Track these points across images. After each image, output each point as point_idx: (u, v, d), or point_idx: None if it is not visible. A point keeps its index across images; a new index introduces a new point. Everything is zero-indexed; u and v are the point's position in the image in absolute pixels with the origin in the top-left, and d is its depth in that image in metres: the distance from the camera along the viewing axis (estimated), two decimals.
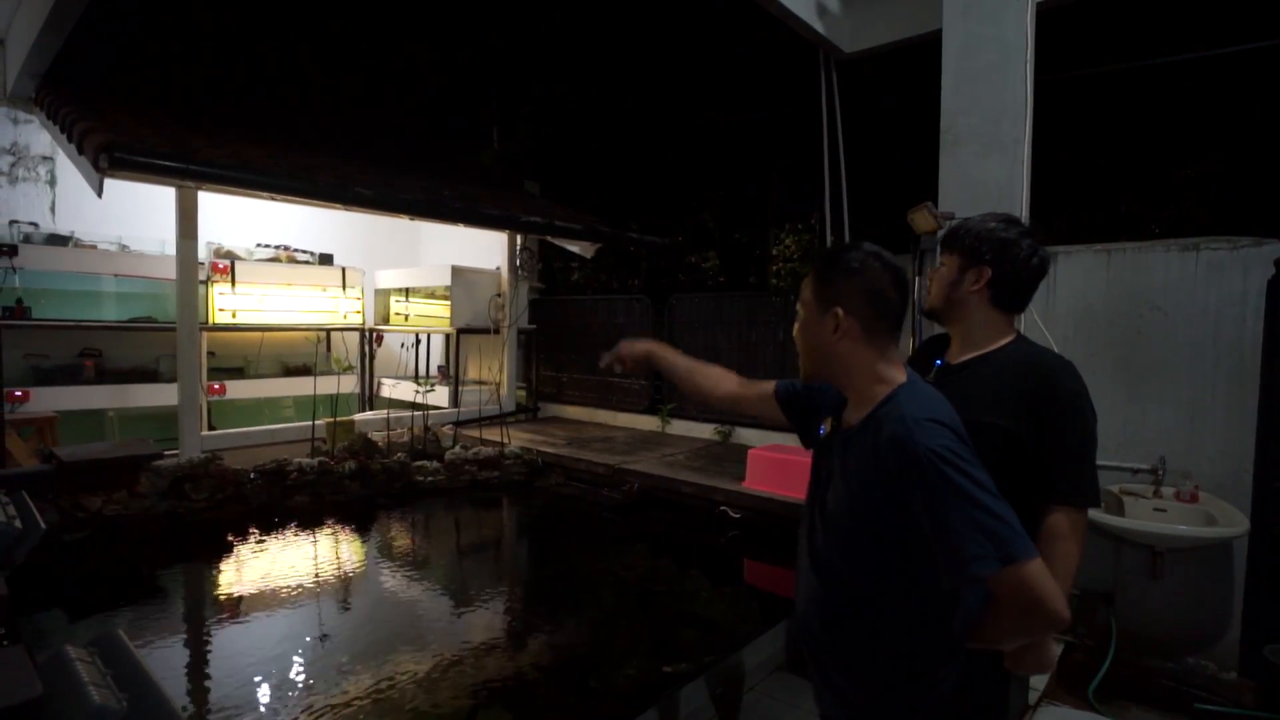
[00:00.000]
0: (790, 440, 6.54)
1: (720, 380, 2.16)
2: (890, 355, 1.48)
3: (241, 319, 7.46)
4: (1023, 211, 3.60)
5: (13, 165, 6.65)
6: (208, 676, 3.23)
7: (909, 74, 6.37)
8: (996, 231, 1.77)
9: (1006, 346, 1.76)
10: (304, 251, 8.30)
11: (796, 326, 1.58)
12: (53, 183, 6.88)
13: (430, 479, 6.12)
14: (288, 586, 4.20)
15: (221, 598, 4.18)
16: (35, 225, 6.58)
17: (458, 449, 6.50)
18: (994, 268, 1.74)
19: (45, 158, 6.82)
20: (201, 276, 6.76)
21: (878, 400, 1.45)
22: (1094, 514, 3.26)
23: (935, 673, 1.45)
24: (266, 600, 4.00)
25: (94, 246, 6.79)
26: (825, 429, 1.64)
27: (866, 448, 1.41)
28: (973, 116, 3.68)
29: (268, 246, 8.07)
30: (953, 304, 1.82)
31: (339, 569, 4.70)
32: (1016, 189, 3.56)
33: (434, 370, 9.20)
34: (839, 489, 1.49)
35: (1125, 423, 3.70)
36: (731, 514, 5.15)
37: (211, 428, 7.07)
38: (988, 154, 3.64)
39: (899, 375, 1.47)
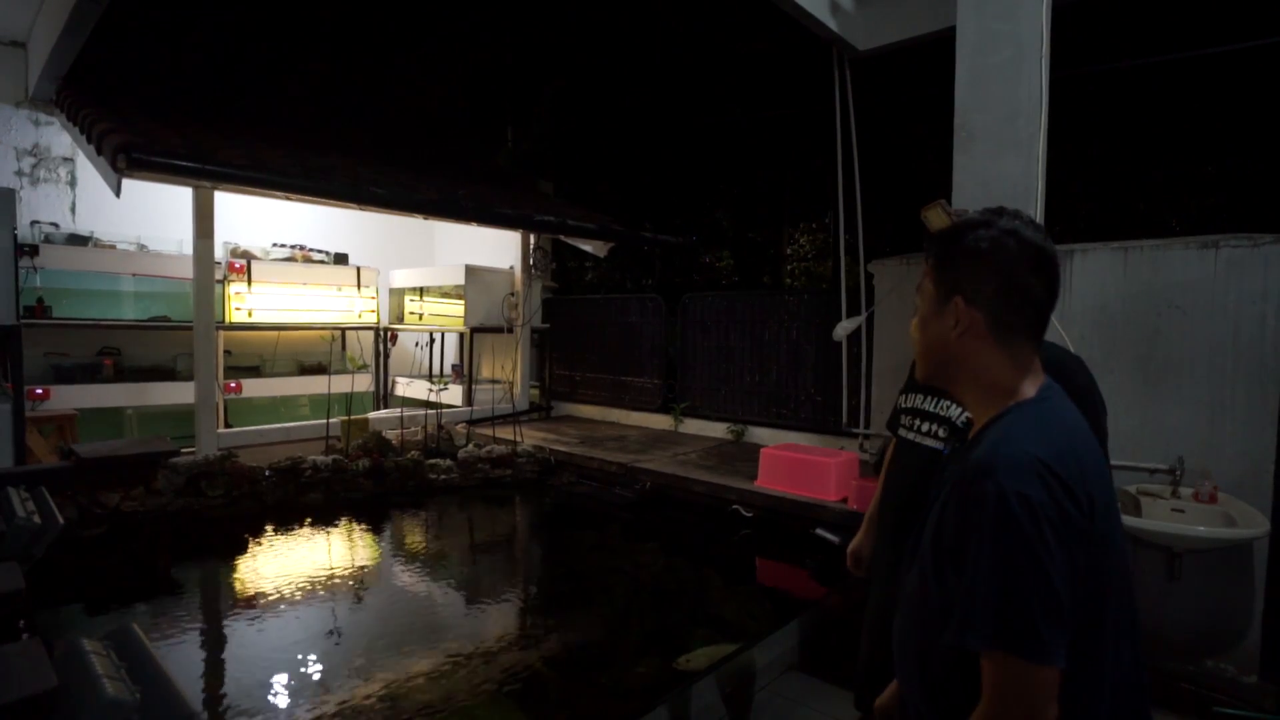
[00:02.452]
0: (803, 439, 6.51)
1: None
2: (1024, 361, 1.20)
3: (258, 318, 7.53)
4: (1038, 209, 3.56)
5: (34, 166, 6.74)
6: (222, 671, 3.27)
7: (923, 71, 6.32)
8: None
9: None
10: (319, 251, 8.37)
11: (914, 320, 1.32)
12: (73, 183, 6.97)
13: (443, 477, 6.14)
14: (302, 583, 4.23)
15: (236, 594, 4.23)
16: (56, 225, 6.67)
17: (471, 447, 6.53)
18: None
19: (66, 159, 6.91)
20: (218, 276, 6.83)
21: (991, 415, 1.20)
22: None
23: None
24: (281, 597, 4.04)
25: (113, 246, 6.87)
26: (948, 448, 1.47)
27: (957, 472, 1.17)
28: (987, 113, 3.64)
29: (284, 246, 8.14)
30: None
31: (353, 566, 4.73)
32: (1032, 186, 3.52)
33: (448, 369, 9.24)
34: (930, 518, 1.24)
35: (1143, 422, 3.65)
36: (744, 513, 5.14)
37: (228, 425, 7.14)
38: (1002, 151, 3.59)
39: (1027, 388, 1.19)
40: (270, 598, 4.02)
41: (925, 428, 1.95)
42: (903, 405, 2.06)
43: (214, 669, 3.29)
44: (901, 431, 2.04)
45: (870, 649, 2.13)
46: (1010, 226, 1.20)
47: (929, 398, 1.97)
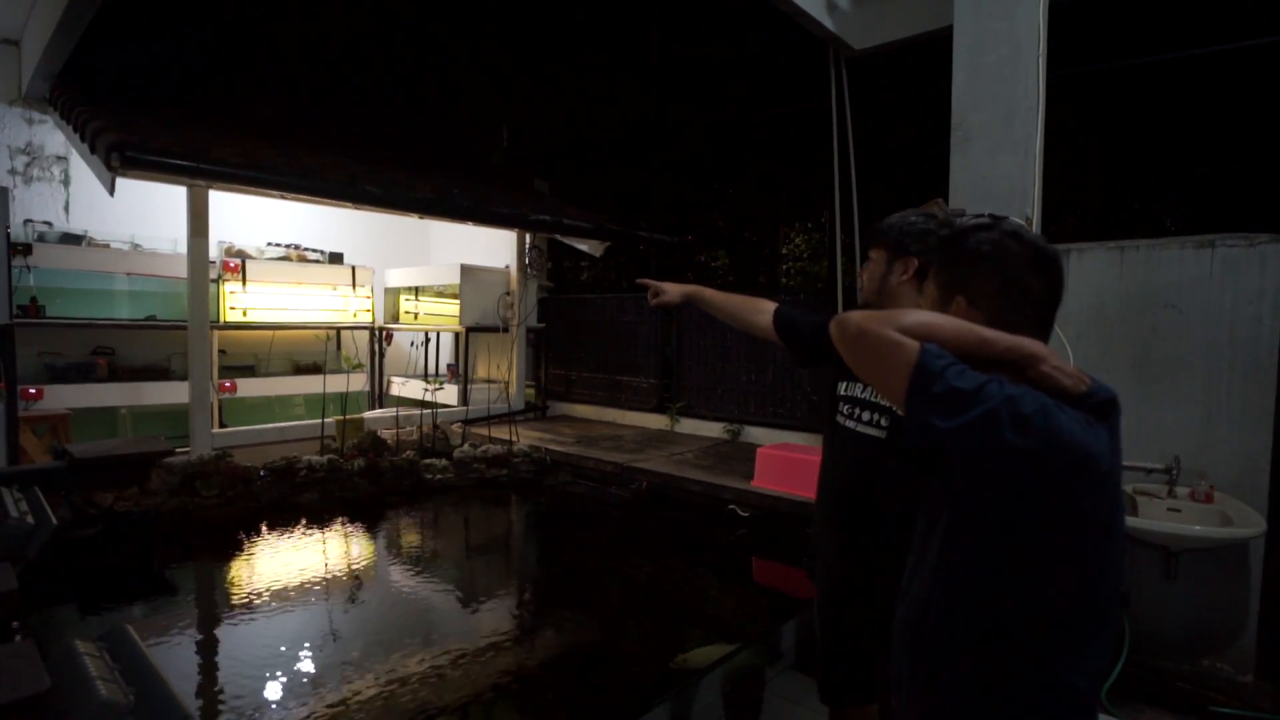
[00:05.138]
0: (799, 439, 6.51)
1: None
2: None
3: (252, 317, 7.51)
4: (1035, 208, 3.57)
5: (27, 165, 6.71)
6: (216, 672, 3.25)
7: (920, 70, 6.32)
8: (918, 224, 1.91)
9: None
10: (314, 250, 8.34)
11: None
12: (66, 182, 6.93)
13: (439, 477, 6.13)
14: (297, 583, 4.21)
15: (231, 594, 4.20)
16: (49, 224, 6.63)
17: (466, 447, 6.51)
18: (920, 256, 1.85)
19: (59, 157, 6.87)
20: (213, 275, 6.80)
21: None
22: None
23: None
24: (276, 597, 4.02)
25: (107, 245, 6.84)
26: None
27: None
28: (984, 113, 3.65)
29: (278, 245, 8.11)
30: (885, 295, 1.92)
31: (348, 566, 4.72)
32: (1028, 186, 3.53)
33: (443, 368, 9.22)
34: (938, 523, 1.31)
35: (1139, 422, 3.65)
36: (740, 512, 5.13)
37: (222, 425, 7.11)
38: (999, 151, 3.60)
39: None
40: (265, 598, 4.01)
41: (866, 416, 1.96)
42: (842, 394, 2.06)
43: (209, 670, 3.27)
44: (840, 419, 2.04)
45: (825, 639, 2.15)
46: (1012, 229, 1.26)
47: (869, 387, 1.97)
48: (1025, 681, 1.14)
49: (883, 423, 1.91)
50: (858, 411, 1.98)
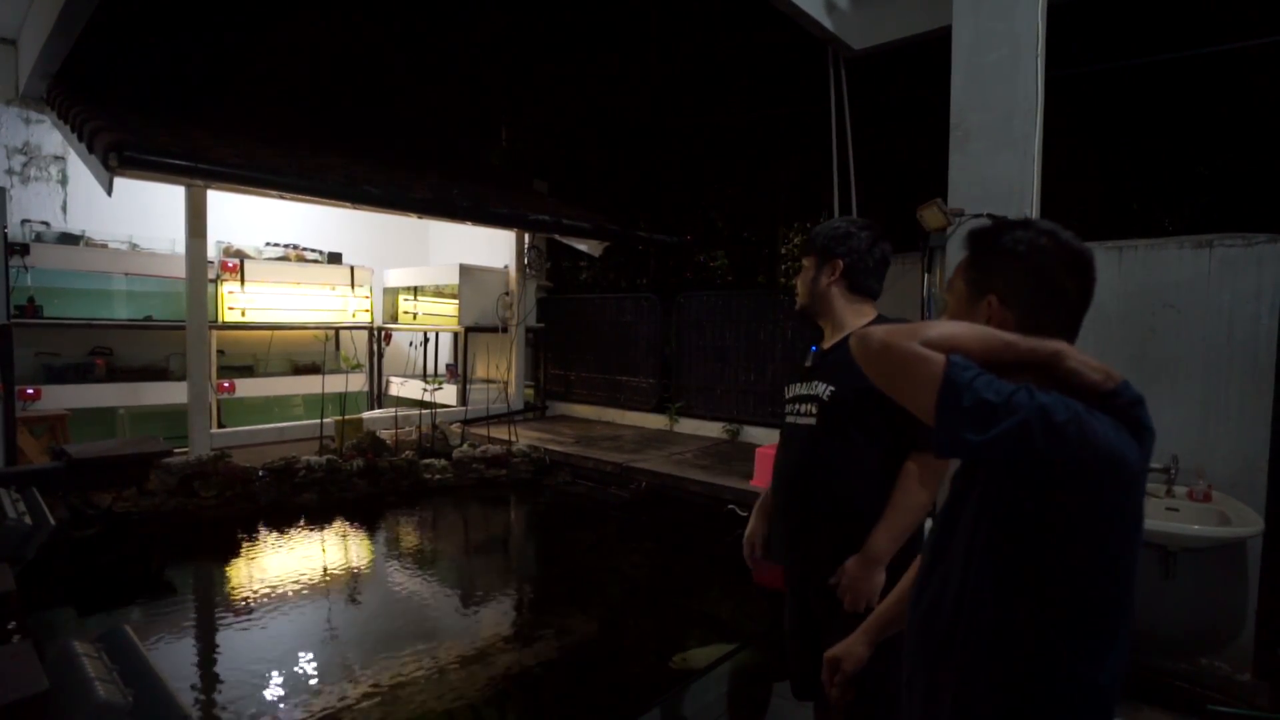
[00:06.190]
0: None
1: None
2: None
3: (251, 317, 7.50)
4: (1034, 208, 3.56)
5: (25, 165, 6.70)
6: (215, 673, 3.25)
7: (919, 70, 6.33)
8: (841, 229, 2.05)
9: (868, 325, 1.87)
10: (313, 250, 8.33)
11: (943, 318, 1.33)
12: (64, 182, 6.92)
13: (438, 477, 6.13)
14: (296, 584, 4.21)
15: (230, 595, 4.20)
16: (47, 224, 6.62)
17: (466, 447, 6.51)
18: (844, 259, 1.99)
19: (57, 157, 6.86)
20: (211, 275, 6.80)
21: None
22: None
23: None
24: (275, 597, 4.01)
25: (105, 245, 6.83)
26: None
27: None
28: (983, 113, 3.65)
29: (277, 245, 8.10)
30: (816, 297, 2.07)
31: (347, 566, 4.71)
32: (1027, 186, 3.52)
33: (442, 368, 9.22)
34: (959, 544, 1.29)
35: None
36: (739, 512, 5.13)
37: (221, 425, 7.11)
38: (998, 150, 3.60)
39: None
40: (264, 599, 4.00)
41: (803, 409, 2.07)
42: (787, 395, 2.18)
43: (207, 671, 3.27)
44: (788, 417, 2.15)
45: (789, 633, 2.18)
46: (1048, 228, 1.23)
47: (804, 383, 2.09)
48: (1057, 683, 1.15)
49: (813, 410, 2.01)
50: (797, 406, 2.10)
